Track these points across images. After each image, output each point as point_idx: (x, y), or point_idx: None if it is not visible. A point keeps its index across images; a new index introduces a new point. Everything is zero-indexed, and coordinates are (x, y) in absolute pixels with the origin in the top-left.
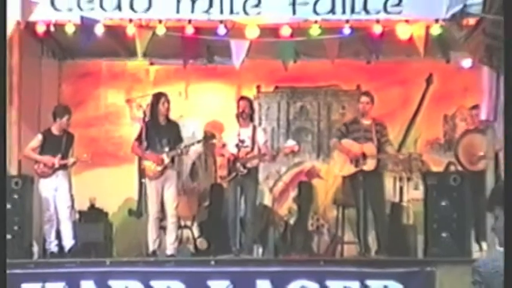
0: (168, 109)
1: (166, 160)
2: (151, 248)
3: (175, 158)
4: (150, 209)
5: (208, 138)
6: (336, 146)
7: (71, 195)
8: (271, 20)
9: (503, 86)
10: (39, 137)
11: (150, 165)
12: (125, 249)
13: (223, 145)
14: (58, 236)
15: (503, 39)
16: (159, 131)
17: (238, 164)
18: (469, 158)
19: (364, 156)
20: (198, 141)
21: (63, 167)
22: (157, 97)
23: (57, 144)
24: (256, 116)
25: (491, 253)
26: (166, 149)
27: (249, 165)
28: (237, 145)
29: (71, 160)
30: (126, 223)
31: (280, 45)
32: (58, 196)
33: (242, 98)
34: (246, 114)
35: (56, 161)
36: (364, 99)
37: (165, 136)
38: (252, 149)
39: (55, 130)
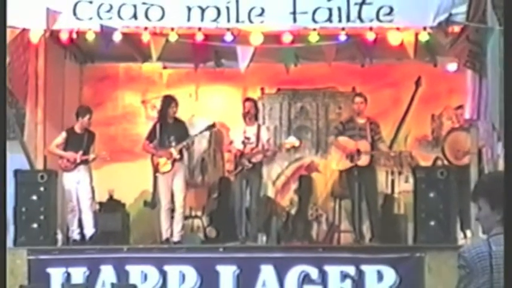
0: (175, 112)
1: (175, 154)
2: (164, 236)
3: (183, 151)
4: (162, 201)
5: (209, 127)
6: (333, 142)
7: (92, 188)
8: (274, 28)
9: (504, 87)
10: (63, 134)
11: (162, 161)
12: (141, 237)
13: (230, 142)
14: (80, 225)
15: (484, 45)
16: (167, 129)
17: (244, 159)
18: (455, 154)
19: (359, 152)
20: (201, 132)
21: (84, 162)
22: (168, 100)
23: (79, 142)
24: (260, 116)
25: (474, 240)
26: (174, 144)
27: (253, 160)
28: (243, 142)
29: (91, 156)
30: (142, 213)
31: (282, 50)
32: (80, 188)
33: (247, 99)
34: (251, 114)
35: (78, 156)
36: (358, 99)
37: (173, 133)
38: (257, 145)
39: (77, 128)
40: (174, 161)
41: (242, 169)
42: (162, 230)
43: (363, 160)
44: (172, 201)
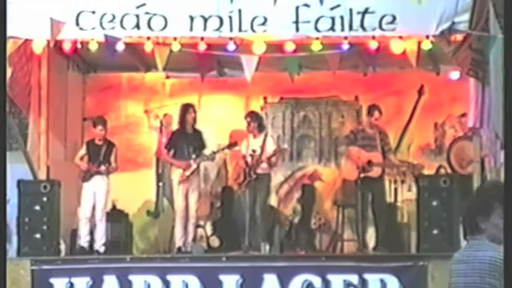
0: (194, 118)
1: (194, 166)
2: (177, 244)
3: (200, 163)
4: (176, 210)
5: (232, 145)
6: (344, 152)
7: (106, 199)
8: (277, 37)
9: (503, 92)
10: (84, 146)
11: (178, 171)
12: (144, 247)
13: (241, 155)
14: (90, 233)
15: (487, 53)
16: (187, 139)
17: (249, 170)
18: (460, 163)
19: (370, 163)
20: (223, 149)
21: (100, 172)
22: (186, 108)
23: (97, 152)
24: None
25: None
26: (193, 156)
27: (259, 171)
28: (250, 154)
29: (102, 167)
30: (145, 223)
31: (285, 59)
32: (97, 198)
33: (251, 112)
34: (254, 126)
35: (93, 168)
36: (377, 114)
37: (192, 144)
38: (261, 156)
39: (96, 139)
40: (192, 172)
41: (250, 181)
42: (176, 238)
43: (375, 172)
44: (185, 211)
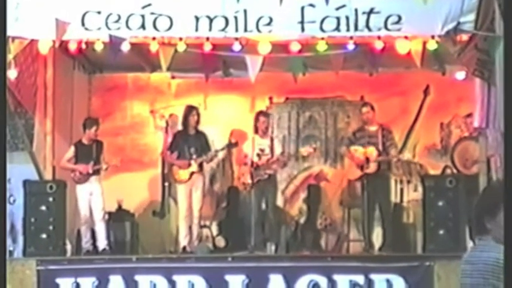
0: (197, 121)
1: (194, 166)
2: (181, 244)
3: (203, 164)
4: (180, 209)
5: (231, 145)
6: (345, 153)
7: (103, 198)
8: (282, 37)
9: (503, 92)
10: (72, 148)
11: (180, 171)
12: (149, 247)
13: (245, 155)
14: (93, 235)
15: (493, 53)
16: (188, 140)
17: (260, 171)
18: (464, 163)
19: (368, 160)
20: (222, 149)
21: (96, 172)
22: (189, 110)
23: (89, 153)
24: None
25: None
26: (194, 156)
27: (268, 171)
28: (258, 154)
29: (103, 166)
30: (151, 223)
31: (290, 59)
32: (93, 200)
33: (261, 112)
34: (264, 127)
35: (90, 168)
36: (365, 109)
37: (194, 145)
38: (272, 157)
39: (85, 140)
40: (193, 172)
41: (259, 180)
42: (180, 238)
43: (371, 168)
44: (189, 210)
